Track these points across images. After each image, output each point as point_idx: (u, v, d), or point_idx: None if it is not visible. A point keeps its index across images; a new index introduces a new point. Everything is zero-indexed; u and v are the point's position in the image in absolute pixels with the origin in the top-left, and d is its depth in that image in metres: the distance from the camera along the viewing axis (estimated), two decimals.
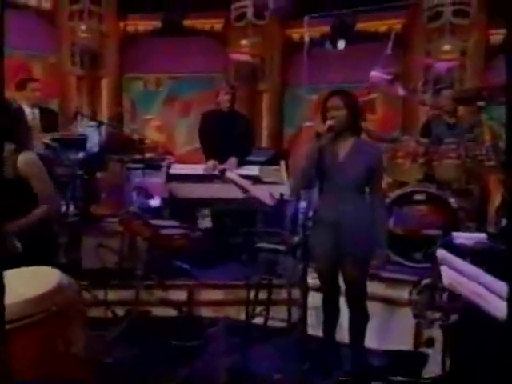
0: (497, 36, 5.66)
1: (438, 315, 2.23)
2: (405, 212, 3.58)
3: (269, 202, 2.75)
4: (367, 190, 2.37)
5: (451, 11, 5.81)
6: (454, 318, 2.12)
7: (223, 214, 4.05)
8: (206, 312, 3.19)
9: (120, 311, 2.90)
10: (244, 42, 6.79)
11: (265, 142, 6.92)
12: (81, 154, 3.92)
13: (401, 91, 4.25)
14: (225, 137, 3.95)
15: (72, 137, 3.98)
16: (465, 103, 4.09)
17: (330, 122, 2.24)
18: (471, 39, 5.79)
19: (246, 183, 2.79)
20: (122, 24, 6.84)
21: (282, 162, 4.28)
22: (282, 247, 2.89)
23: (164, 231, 3.04)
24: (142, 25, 6.95)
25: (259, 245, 3.05)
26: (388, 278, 3.21)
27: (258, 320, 2.91)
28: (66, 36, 6.40)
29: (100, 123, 4.09)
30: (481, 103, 3.68)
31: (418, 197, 3.56)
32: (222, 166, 3.94)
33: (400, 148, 3.77)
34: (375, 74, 4.19)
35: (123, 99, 6.91)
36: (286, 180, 3.98)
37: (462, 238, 2.31)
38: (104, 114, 6.56)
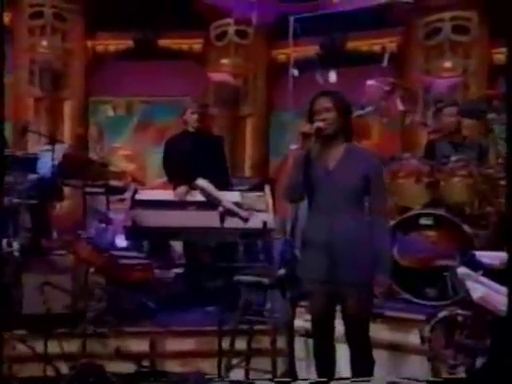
0: (500, 55, 5.65)
1: (460, 357, 1.95)
2: (411, 239, 3.49)
3: (246, 216, 2.53)
4: (365, 204, 2.31)
5: (450, 27, 5.82)
6: (481, 360, 1.83)
7: (198, 245, 3.94)
8: (172, 366, 2.93)
9: (64, 367, 2.54)
10: (225, 61, 6.80)
11: (248, 172, 6.84)
12: (30, 178, 3.62)
13: (400, 105, 4.14)
14: (193, 161, 3.87)
15: (19, 156, 3.69)
16: (473, 116, 3.98)
17: (318, 124, 2.19)
18: (473, 56, 5.81)
19: (218, 194, 2.58)
20: (89, 43, 6.77)
21: (267, 187, 4.12)
22: (265, 280, 2.63)
23: (123, 261, 2.76)
24: (113, 44, 6.91)
25: (238, 277, 2.79)
26: (394, 318, 3.05)
27: (237, 373, 2.73)
28: (25, 53, 6.26)
29: (54, 141, 3.82)
30: (492, 115, 3.55)
31: (425, 221, 3.49)
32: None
33: (401, 167, 3.72)
34: (372, 83, 4.13)
35: (89, 124, 6.78)
36: (271, 207, 3.86)
37: (485, 257, 2.11)
38: (66, 140, 6.32)
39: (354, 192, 2.22)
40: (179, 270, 4.15)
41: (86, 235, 3.15)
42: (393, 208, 3.78)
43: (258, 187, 4.25)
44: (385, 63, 4.60)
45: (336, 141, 2.26)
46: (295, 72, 5.72)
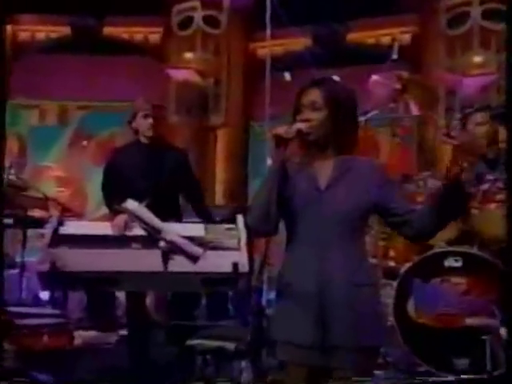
0: None
1: None
2: (432, 288, 3.47)
3: (195, 252, 2.41)
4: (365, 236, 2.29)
5: (480, 12, 5.88)
6: None
7: (144, 297, 3.80)
8: None
9: None
10: (190, 55, 6.82)
11: (221, 199, 6.85)
12: None
13: (415, 109, 4.17)
14: (144, 181, 3.81)
15: None
16: (509, 124, 3.91)
17: (299, 125, 2.13)
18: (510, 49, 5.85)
19: (157, 222, 2.44)
20: (9, 28, 6.65)
21: (240, 218, 3.99)
22: (230, 345, 2.48)
23: (26, 321, 2.55)
24: (42, 31, 6.87)
25: (194, 342, 2.66)
26: None
27: None
28: None
29: None
30: None
31: (452, 263, 3.47)
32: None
33: (418, 190, 3.82)
34: (377, 79, 4.07)
35: (6, 136, 6.67)
36: (245, 244, 3.67)
37: None
38: None
39: (353, 220, 2.17)
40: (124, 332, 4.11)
41: None
42: (407, 245, 3.80)
43: (228, 218, 4.21)
44: (394, 55, 4.45)
45: (326, 150, 2.21)
46: (287, 76, 5.69)
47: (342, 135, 2.20)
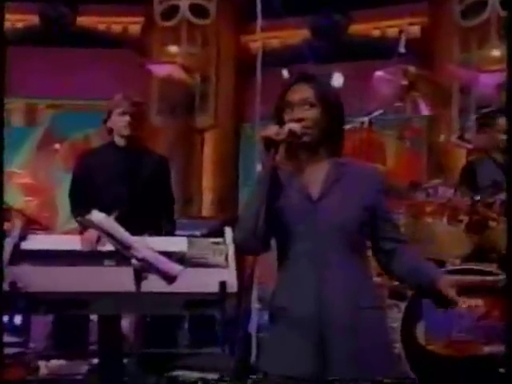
0: None
1: None
2: (445, 311, 3.29)
3: (171, 271, 2.38)
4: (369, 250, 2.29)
5: (498, 1, 5.89)
6: None
7: (119, 321, 3.79)
8: None
9: None
10: (174, 49, 6.83)
11: (208, 209, 6.86)
12: None
13: (425, 109, 4.16)
14: (117, 189, 3.84)
15: None
16: None
17: (292, 126, 2.14)
18: None
19: (126, 236, 2.39)
20: None
21: (229, 231, 4.01)
22: (213, 376, 2.45)
23: None
24: (7, 19, 6.77)
25: (175, 373, 2.63)
26: None
27: None
28: None
29: None
30: None
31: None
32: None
33: (428, 200, 3.81)
34: (381, 75, 4.10)
35: None
36: (233, 260, 3.64)
37: None
38: None
39: (354, 232, 2.18)
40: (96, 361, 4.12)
41: None
42: None
43: (216, 231, 4.21)
44: (401, 49, 4.51)
45: (317, 154, 2.23)
46: (285, 72, 5.71)
47: (334, 136, 2.22)
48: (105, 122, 3.89)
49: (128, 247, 2.55)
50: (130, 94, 4.23)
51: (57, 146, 7.03)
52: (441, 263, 3.66)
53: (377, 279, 3.92)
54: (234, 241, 2.26)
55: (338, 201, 2.17)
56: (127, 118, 3.78)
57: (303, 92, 2.19)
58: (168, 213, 4.07)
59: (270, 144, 2.07)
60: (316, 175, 2.21)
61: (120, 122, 3.80)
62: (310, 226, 2.15)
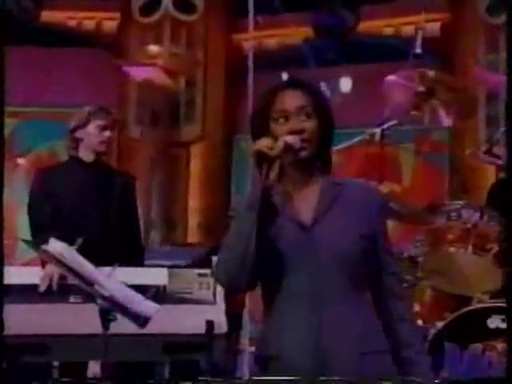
0: None
1: None
2: (472, 357, 3.50)
3: (145, 311, 2.36)
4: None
5: None
6: None
7: (85, 369, 3.79)
8: None
9: None
10: (155, 49, 6.84)
11: (194, 234, 6.87)
12: None
13: (446, 119, 4.19)
14: (82, 213, 3.89)
15: None
16: None
17: (288, 138, 2.14)
18: None
19: (90, 269, 2.37)
20: None
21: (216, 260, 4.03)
22: None
23: None
24: None
25: None
26: None
27: None
28: None
29: None
30: None
31: (497, 323, 3.47)
32: None
33: (450, 225, 3.81)
34: (394, 79, 4.07)
35: None
36: (222, 295, 3.70)
37: None
38: None
39: (355, 263, 2.19)
40: None
41: None
42: (437, 299, 3.80)
43: (203, 261, 4.28)
44: (418, 49, 4.51)
45: (310, 173, 2.25)
46: (285, 76, 5.80)
47: (327, 151, 2.26)
48: (74, 130, 3.90)
49: (92, 283, 2.51)
50: (107, 105, 4.31)
51: (19, 160, 7.02)
52: (467, 299, 3.68)
53: None
54: (216, 278, 2.26)
55: (334, 227, 2.18)
56: (108, 133, 3.87)
57: (299, 99, 2.21)
58: (135, 239, 4.08)
59: (262, 160, 2.05)
60: (309, 198, 2.22)
61: (97, 137, 3.87)
62: (304, 257, 2.16)
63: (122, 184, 4.04)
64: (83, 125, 3.89)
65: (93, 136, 3.88)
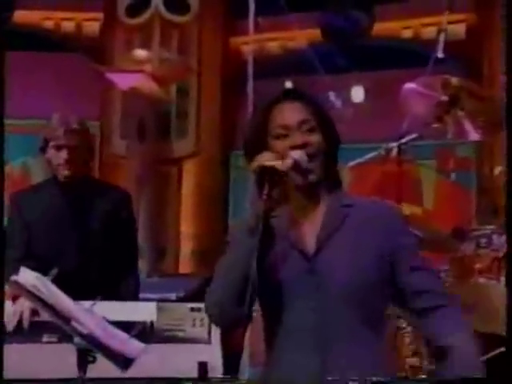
0: None
1: None
2: None
3: (128, 352, 2.45)
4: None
5: None
6: None
7: None
8: None
9: None
10: (143, 54, 6.90)
11: (186, 263, 6.91)
12: None
13: (472, 132, 4.15)
14: (61, 239, 3.89)
15: None
16: None
17: (295, 154, 2.20)
18: None
19: (67, 303, 2.46)
20: None
21: None
22: None
23: None
24: None
25: None
26: None
27: None
28: None
29: None
30: None
31: None
32: None
33: (479, 253, 3.84)
34: (413, 87, 4.09)
35: None
36: (218, 333, 3.65)
37: None
38: None
39: (365, 295, 2.21)
40: None
41: None
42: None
43: (196, 293, 4.34)
44: (440, 53, 4.58)
45: (315, 193, 2.30)
46: (288, 85, 5.83)
47: (335, 168, 2.31)
48: (42, 150, 3.89)
49: (69, 319, 2.48)
50: (68, 116, 4.16)
51: None
52: (498, 337, 3.66)
53: (411, 359, 3.90)
54: (207, 311, 2.28)
55: (340, 255, 2.19)
56: (64, 153, 3.77)
57: (300, 113, 2.26)
58: (129, 268, 4.07)
59: (265, 177, 2.09)
60: (314, 222, 2.25)
61: (56, 159, 3.81)
62: (307, 290, 2.18)
63: (112, 202, 4.03)
64: (45, 145, 3.85)
65: (53, 158, 3.84)
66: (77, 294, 3.03)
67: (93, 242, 3.90)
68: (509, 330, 1.77)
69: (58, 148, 3.77)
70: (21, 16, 6.97)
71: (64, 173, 3.79)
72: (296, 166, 2.17)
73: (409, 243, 2.31)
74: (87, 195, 3.97)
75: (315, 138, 2.26)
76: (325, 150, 2.27)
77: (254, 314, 2.35)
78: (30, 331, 3.60)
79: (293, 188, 2.26)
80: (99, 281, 3.91)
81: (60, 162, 3.78)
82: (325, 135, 2.28)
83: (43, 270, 3.50)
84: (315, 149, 2.24)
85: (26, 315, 3.58)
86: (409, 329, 3.93)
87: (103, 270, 3.93)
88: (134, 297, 4.03)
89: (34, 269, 3.49)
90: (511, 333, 1.89)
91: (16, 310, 3.61)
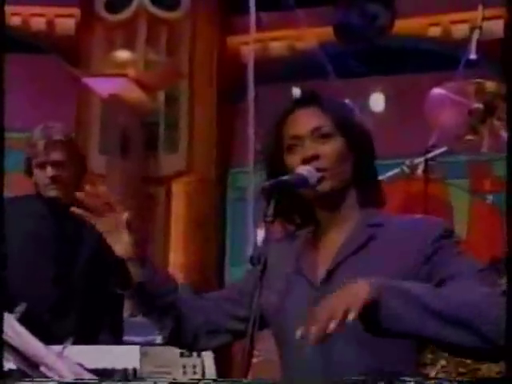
0: None
1: None
2: None
3: None
4: None
5: None
6: None
7: None
8: None
9: None
10: (125, 55, 6.93)
11: None
12: None
13: None
14: (37, 266, 3.97)
15: None
16: None
17: (302, 170, 2.25)
18: None
19: (34, 344, 2.55)
20: None
21: None
22: None
23: None
24: None
25: None
26: None
27: None
28: None
29: None
30: None
31: None
32: None
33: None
34: (442, 93, 4.18)
35: None
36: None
37: None
38: None
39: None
40: None
41: None
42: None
43: None
44: (472, 55, 4.56)
45: (339, 208, 2.32)
46: (296, 92, 5.86)
47: (363, 180, 2.30)
48: (28, 173, 3.90)
49: (36, 364, 2.48)
50: (48, 126, 4.02)
51: None
52: None
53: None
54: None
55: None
56: (49, 171, 3.79)
57: (313, 119, 2.28)
58: (113, 308, 4.07)
59: (269, 199, 2.12)
60: (331, 245, 2.27)
61: (41, 179, 3.82)
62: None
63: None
64: (28, 165, 3.88)
65: (38, 179, 3.86)
66: (49, 336, 3.02)
67: (76, 274, 3.90)
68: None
69: (41, 166, 3.79)
70: None
71: (50, 193, 3.81)
72: (303, 182, 2.19)
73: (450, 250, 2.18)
74: (76, 220, 3.97)
75: (330, 147, 2.27)
76: (348, 158, 2.28)
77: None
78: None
79: (318, 209, 2.30)
80: (77, 320, 3.90)
81: (45, 182, 3.79)
82: (349, 141, 2.28)
83: (9, 304, 3.57)
84: (328, 160, 2.25)
85: None
86: None
87: (83, 307, 3.93)
88: (117, 340, 4.04)
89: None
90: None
91: None
